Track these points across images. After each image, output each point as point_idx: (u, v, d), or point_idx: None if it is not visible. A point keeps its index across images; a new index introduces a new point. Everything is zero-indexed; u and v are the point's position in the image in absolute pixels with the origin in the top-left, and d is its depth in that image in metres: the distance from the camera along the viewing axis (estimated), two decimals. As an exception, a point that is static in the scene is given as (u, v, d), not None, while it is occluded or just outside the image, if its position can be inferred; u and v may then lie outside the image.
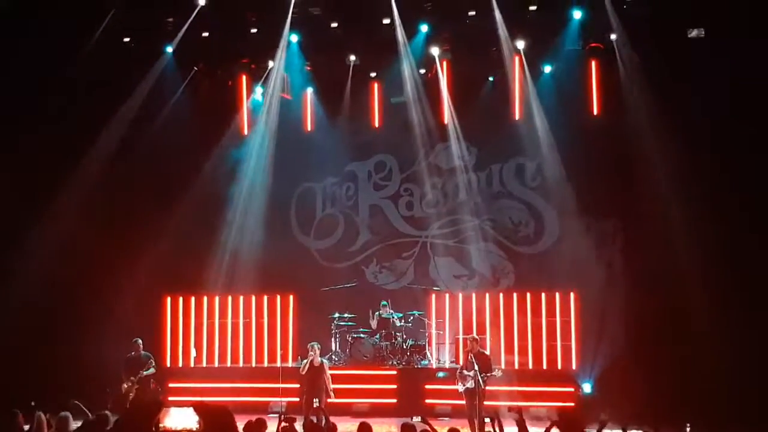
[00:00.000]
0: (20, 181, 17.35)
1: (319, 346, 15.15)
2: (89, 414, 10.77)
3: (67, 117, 17.87)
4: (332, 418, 11.57)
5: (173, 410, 10.38)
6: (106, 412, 9.91)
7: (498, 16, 17.51)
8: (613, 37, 17.64)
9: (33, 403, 11.97)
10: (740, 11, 16.02)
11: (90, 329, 17.59)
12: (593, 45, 17.91)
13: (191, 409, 9.90)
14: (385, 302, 18.31)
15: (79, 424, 10.02)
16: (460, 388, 14.26)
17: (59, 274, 17.89)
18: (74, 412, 10.98)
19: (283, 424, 10.46)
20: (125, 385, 15.25)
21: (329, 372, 15.08)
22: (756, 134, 16.10)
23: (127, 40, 18.79)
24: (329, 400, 14.75)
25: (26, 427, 10.82)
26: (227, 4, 18.23)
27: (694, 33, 17.03)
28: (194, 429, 9.86)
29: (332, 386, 14.92)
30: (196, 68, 19.50)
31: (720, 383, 15.31)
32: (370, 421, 10.33)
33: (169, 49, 18.90)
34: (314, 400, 14.35)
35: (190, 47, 18.91)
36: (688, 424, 9.74)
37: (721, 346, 15.51)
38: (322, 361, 15.06)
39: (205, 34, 18.70)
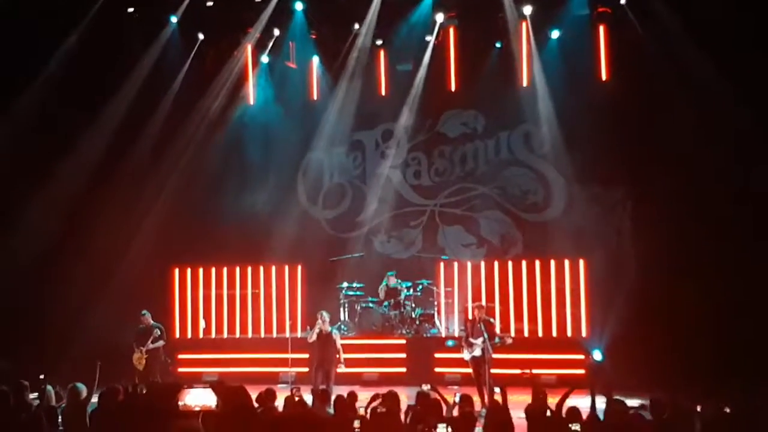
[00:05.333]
0: (23, 147, 17.21)
1: (328, 314, 15.08)
2: (96, 377, 10.81)
3: (70, 86, 17.70)
4: (341, 388, 11.61)
5: (193, 390, 10.49)
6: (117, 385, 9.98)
7: None
8: (622, 1, 17.43)
9: (42, 376, 12.01)
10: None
11: (96, 302, 17.54)
12: (601, 10, 17.70)
13: (210, 388, 10.02)
14: (391, 272, 18.28)
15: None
16: (465, 355, 14.25)
17: (64, 244, 17.85)
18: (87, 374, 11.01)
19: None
20: (135, 356, 15.34)
21: (340, 341, 15.00)
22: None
23: (131, 10, 18.62)
24: (339, 370, 14.72)
25: (33, 396, 10.85)
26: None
27: None
28: (213, 407, 9.94)
29: (343, 356, 14.82)
30: (201, 38, 19.35)
31: (733, 351, 15.19)
32: (380, 390, 10.31)
33: (174, 20, 18.77)
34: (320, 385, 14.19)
35: (194, 17, 18.76)
36: (699, 406, 9.70)
37: (735, 313, 15.42)
38: (331, 330, 14.96)
39: (210, 3, 18.52)
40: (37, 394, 11.14)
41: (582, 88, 17.82)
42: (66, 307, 17.53)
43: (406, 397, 12.52)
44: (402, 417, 9.76)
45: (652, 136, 17.25)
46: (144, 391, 10.53)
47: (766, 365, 14.13)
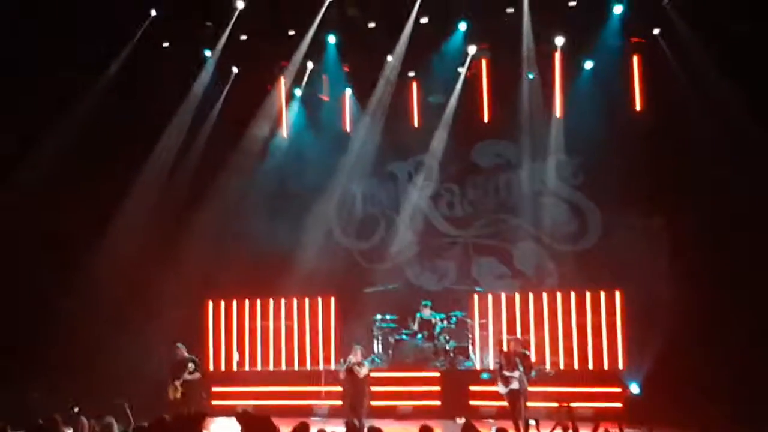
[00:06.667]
0: (56, 187, 17.55)
1: (361, 348, 14.97)
2: (130, 415, 10.78)
3: (107, 119, 18.01)
4: (376, 421, 11.53)
5: (217, 419, 10.43)
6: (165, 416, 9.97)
7: (526, 14, 17.43)
8: (655, 31, 17.37)
9: (77, 409, 12.04)
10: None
11: (133, 335, 17.59)
12: (635, 40, 17.65)
13: (234, 417, 9.97)
14: (427, 302, 18.15)
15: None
16: (501, 389, 14.09)
17: (103, 280, 17.99)
18: (117, 412, 11.03)
19: None
20: (170, 389, 15.34)
21: (365, 372, 14.64)
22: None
23: (166, 45, 18.88)
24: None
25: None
26: (265, 6, 18.21)
27: (737, 27, 16.61)
28: None
29: (371, 387, 14.70)
30: (235, 72, 19.56)
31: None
32: (414, 423, 10.23)
33: (209, 53, 18.98)
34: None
35: (229, 51, 18.96)
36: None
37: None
38: (362, 363, 14.84)
39: (244, 38, 18.73)
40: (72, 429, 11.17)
41: (616, 118, 17.70)
42: (104, 340, 17.62)
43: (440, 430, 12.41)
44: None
45: (688, 166, 17.06)
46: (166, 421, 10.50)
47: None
